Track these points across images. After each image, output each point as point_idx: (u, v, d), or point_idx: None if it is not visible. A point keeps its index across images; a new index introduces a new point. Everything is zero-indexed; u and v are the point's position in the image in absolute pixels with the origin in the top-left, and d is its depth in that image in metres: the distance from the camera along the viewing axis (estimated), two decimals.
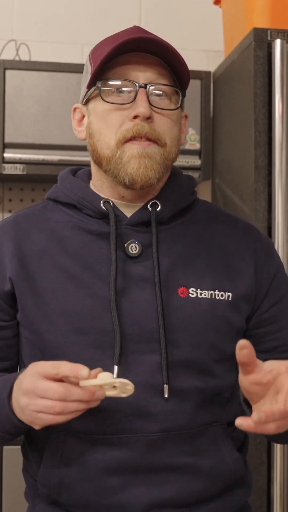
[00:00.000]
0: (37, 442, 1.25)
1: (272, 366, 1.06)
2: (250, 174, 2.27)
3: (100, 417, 1.18)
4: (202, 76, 2.65)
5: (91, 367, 1.18)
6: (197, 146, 2.64)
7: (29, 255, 1.26)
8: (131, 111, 1.21)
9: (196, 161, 2.65)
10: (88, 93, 1.26)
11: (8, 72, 2.53)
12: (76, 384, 1.07)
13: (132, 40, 1.19)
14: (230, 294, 1.25)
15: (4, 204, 2.83)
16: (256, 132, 2.24)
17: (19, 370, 1.32)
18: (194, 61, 2.89)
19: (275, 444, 2.16)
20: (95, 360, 1.18)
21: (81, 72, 2.51)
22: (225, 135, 2.63)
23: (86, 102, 1.28)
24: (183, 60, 1.22)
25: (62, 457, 1.20)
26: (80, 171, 1.37)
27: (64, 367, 1.06)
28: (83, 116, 1.30)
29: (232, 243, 1.30)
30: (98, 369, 1.09)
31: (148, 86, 1.21)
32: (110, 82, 1.22)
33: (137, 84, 1.21)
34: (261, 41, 2.24)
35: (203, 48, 2.95)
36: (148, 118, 1.20)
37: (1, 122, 2.51)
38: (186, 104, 2.58)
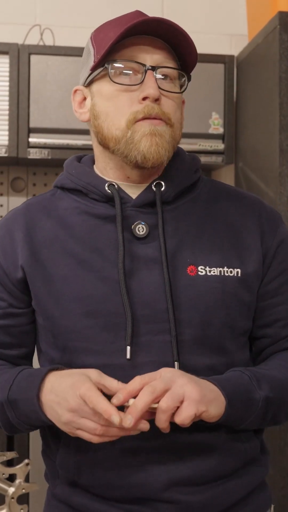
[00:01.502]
0: (56, 425, 1.27)
1: None
2: (275, 158, 2.28)
3: None
4: (226, 60, 2.66)
5: (105, 350, 1.21)
6: (220, 130, 2.65)
7: (39, 242, 1.27)
8: (139, 93, 1.21)
9: (219, 145, 2.66)
10: (92, 74, 1.27)
11: (32, 57, 2.55)
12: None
13: (142, 22, 1.19)
14: (239, 270, 1.26)
15: (28, 189, 2.86)
16: (281, 116, 2.24)
17: (38, 357, 1.35)
18: (217, 45, 2.90)
19: None
20: (108, 343, 1.21)
21: None
22: (248, 119, 2.63)
23: (89, 84, 1.29)
24: (192, 41, 1.23)
25: (81, 439, 1.21)
26: (84, 157, 1.38)
27: (100, 406, 1.08)
28: (85, 98, 1.31)
29: (238, 218, 1.31)
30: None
31: (156, 68, 1.22)
32: (119, 64, 1.23)
33: (145, 66, 1.22)
34: (286, 25, 2.24)
35: (227, 32, 2.95)
36: (157, 100, 1.21)
37: (26, 107, 2.54)
38: (210, 88, 2.60)
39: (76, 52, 2.58)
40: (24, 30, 2.77)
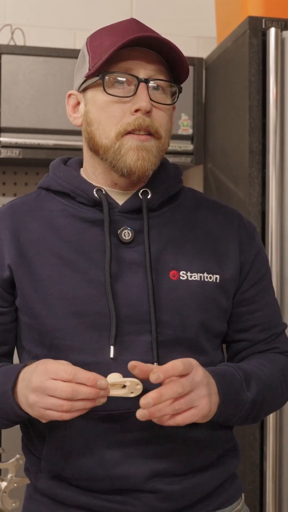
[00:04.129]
0: (40, 421, 1.29)
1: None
2: (245, 159, 2.32)
3: None
4: (195, 62, 2.70)
5: (89, 348, 1.25)
6: (189, 131, 2.70)
7: (26, 243, 1.30)
8: (132, 105, 1.25)
9: (188, 146, 2.70)
10: (86, 82, 1.30)
11: (3, 57, 2.56)
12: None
13: (140, 37, 1.23)
14: (218, 276, 1.32)
15: None
16: (251, 118, 2.29)
17: (18, 355, 1.37)
18: (185, 47, 2.92)
19: (267, 421, 2.23)
20: (93, 342, 1.25)
21: (76, 57, 2.56)
22: (217, 120, 2.68)
23: (84, 90, 1.32)
24: (185, 58, 1.27)
25: (66, 433, 1.26)
26: (70, 160, 1.42)
27: (81, 375, 1.12)
28: (78, 103, 1.34)
29: (218, 227, 1.37)
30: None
31: (148, 81, 1.26)
32: (113, 75, 1.26)
33: (138, 79, 1.25)
34: (255, 30, 2.29)
35: (194, 34, 2.99)
36: (148, 112, 1.25)
37: None
38: None
39: (47, 52, 2.60)
40: None
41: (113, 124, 1.26)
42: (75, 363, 1.22)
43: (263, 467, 2.26)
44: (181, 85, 1.32)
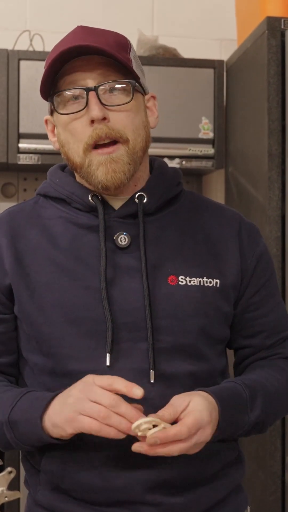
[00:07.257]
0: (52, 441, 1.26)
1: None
2: (264, 163, 2.28)
3: None
4: (215, 65, 2.66)
5: (87, 356, 1.23)
6: (210, 135, 2.66)
7: (23, 250, 1.29)
8: (87, 117, 1.22)
9: (209, 150, 2.66)
10: (49, 105, 1.29)
11: (22, 63, 2.55)
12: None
13: (64, 52, 1.19)
14: (218, 281, 1.29)
15: (19, 194, 2.86)
16: (270, 120, 2.25)
17: (20, 365, 1.34)
18: (207, 50, 2.90)
19: None
20: (91, 349, 1.23)
21: None
22: (238, 124, 2.64)
23: (52, 113, 1.30)
24: (118, 54, 1.21)
25: (65, 444, 1.22)
26: (68, 167, 1.39)
27: (119, 382, 1.13)
28: (54, 126, 1.32)
29: (218, 231, 1.34)
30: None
31: (97, 88, 1.22)
32: (61, 95, 1.24)
33: (86, 89, 1.22)
34: (274, 30, 2.25)
35: (216, 37, 2.95)
36: (104, 119, 1.22)
37: (16, 112, 2.54)
38: (199, 93, 2.60)
39: None
40: (13, 35, 2.77)
41: (79, 140, 1.24)
42: (73, 371, 1.22)
43: (284, 478, 2.21)
44: (140, 82, 1.26)
